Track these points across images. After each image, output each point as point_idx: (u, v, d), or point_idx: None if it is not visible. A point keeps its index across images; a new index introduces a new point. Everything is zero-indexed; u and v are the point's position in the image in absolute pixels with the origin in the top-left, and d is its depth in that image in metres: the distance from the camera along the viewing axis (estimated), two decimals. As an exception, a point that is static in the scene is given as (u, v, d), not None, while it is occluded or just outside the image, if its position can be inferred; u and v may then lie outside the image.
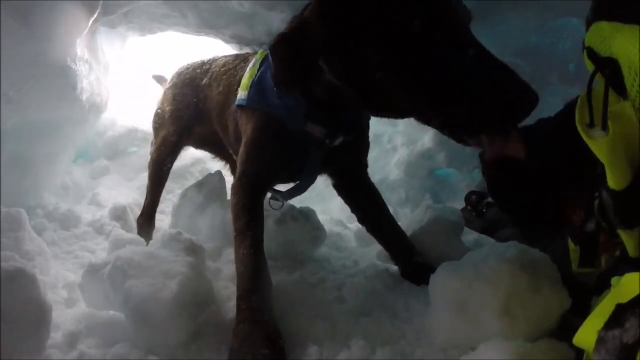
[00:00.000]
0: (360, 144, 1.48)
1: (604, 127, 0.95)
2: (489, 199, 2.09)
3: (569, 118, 1.12)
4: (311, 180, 1.43)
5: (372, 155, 3.08)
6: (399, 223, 1.56)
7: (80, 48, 1.91)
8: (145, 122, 1.86)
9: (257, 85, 1.35)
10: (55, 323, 1.13)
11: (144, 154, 1.88)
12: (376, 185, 1.59)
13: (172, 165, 1.82)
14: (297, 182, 1.42)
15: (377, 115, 1.21)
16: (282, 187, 1.46)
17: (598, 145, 0.94)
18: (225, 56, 1.75)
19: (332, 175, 1.55)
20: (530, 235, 1.52)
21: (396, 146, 3.05)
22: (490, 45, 0.98)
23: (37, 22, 1.64)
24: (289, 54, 1.08)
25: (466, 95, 0.92)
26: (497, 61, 0.93)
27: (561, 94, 2.48)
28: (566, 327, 1.03)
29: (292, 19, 1.12)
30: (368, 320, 1.19)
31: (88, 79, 1.98)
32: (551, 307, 1.04)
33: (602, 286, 0.97)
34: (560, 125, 1.31)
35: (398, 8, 0.96)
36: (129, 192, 2.21)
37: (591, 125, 0.98)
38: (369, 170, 1.58)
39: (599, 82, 1.02)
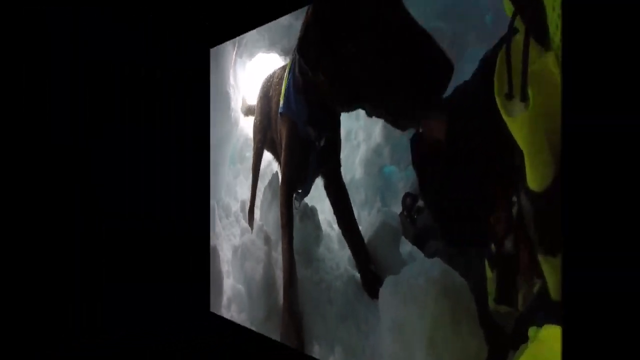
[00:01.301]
0: (338, 142, 1.51)
1: (524, 97, 0.71)
2: (420, 202, 1.59)
3: (483, 79, 0.84)
4: (313, 181, 1.52)
5: (344, 154, 2.73)
6: (361, 227, 1.49)
7: (232, 77, 2.48)
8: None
9: (286, 94, 1.48)
10: (224, 289, 1.65)
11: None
12: (347, 185, 1.55)
13: (260, 166, 2.08)
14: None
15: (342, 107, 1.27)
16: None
17: (518, 124, 0.71)
18: (280, 67, 1.90)
19: (323, 176, 1.59)
20: (457, 249, 1.17)
21: (360, 142, 2.40)
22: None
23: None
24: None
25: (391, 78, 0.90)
26: (418, 29, 0.87)
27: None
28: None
29: None
30: (344, 327, 1.24)
31: (234, 100, 2.54)
32: (468, 350, 0.93)
33: (520, 335, 0.76)
34: (473, 90, 0.95)
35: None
36: (248, 190, 2.56)
37: (510, 95, 0.74)
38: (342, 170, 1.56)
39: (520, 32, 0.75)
